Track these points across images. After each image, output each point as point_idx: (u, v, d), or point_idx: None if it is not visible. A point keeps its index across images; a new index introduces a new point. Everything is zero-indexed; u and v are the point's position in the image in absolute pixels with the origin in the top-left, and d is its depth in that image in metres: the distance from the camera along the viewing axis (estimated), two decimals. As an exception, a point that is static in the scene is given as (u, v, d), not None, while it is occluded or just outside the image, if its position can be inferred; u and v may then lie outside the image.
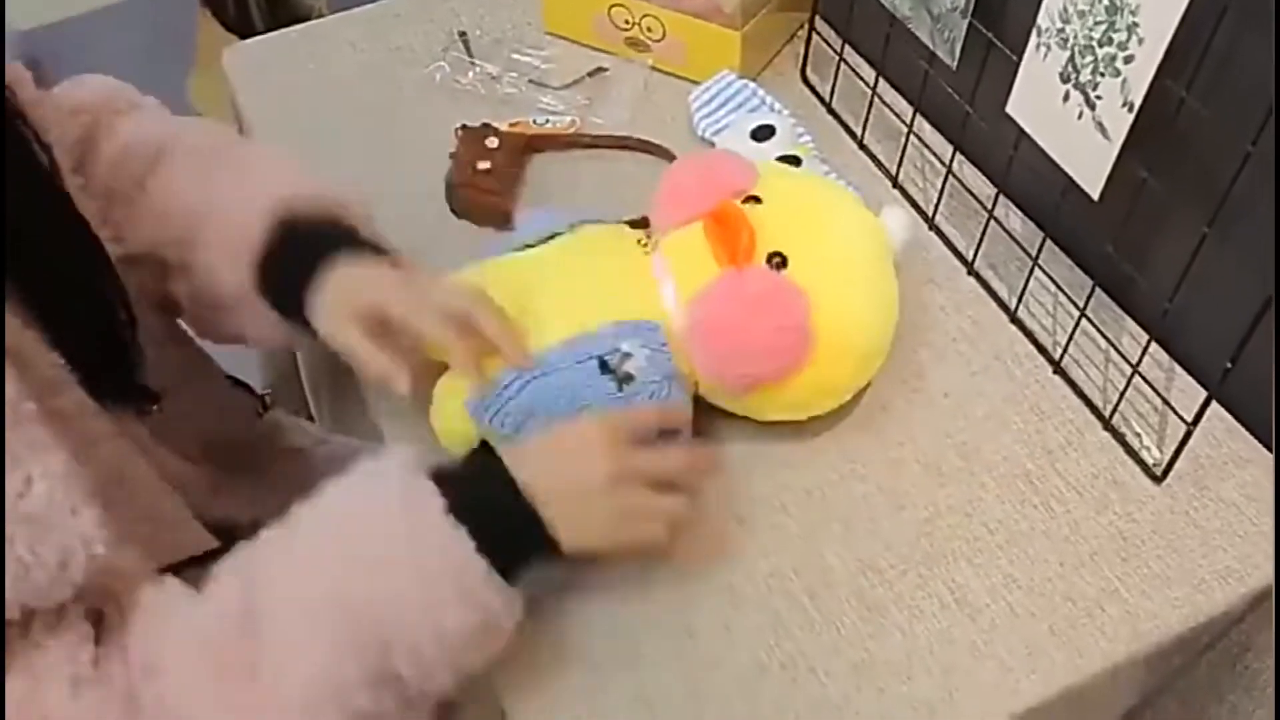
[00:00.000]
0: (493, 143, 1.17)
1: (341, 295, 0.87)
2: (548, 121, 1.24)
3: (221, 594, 0.73)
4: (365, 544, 0.73)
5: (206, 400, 1.01)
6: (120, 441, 0.80)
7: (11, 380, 0.65)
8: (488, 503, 0.75)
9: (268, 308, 0.91)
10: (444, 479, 0.75)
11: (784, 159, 1.10)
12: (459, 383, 0.89)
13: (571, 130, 1.23)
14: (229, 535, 0.79)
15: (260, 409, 1.13)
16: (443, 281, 0.91)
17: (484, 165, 1.15)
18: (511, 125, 1.22)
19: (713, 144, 1.20)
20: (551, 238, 0.96)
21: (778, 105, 1.23)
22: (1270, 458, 0.96)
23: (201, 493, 0.92)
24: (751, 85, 1.24)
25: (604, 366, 0.86)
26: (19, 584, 0.64)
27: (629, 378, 0.86)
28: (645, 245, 0.94)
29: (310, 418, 1.39)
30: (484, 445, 0.81)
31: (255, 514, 0.82)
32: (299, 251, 0.89)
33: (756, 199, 0.92)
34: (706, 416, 0.95)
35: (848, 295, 0.90)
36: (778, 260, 0.89)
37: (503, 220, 1.11)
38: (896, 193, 1.17)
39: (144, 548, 0.76)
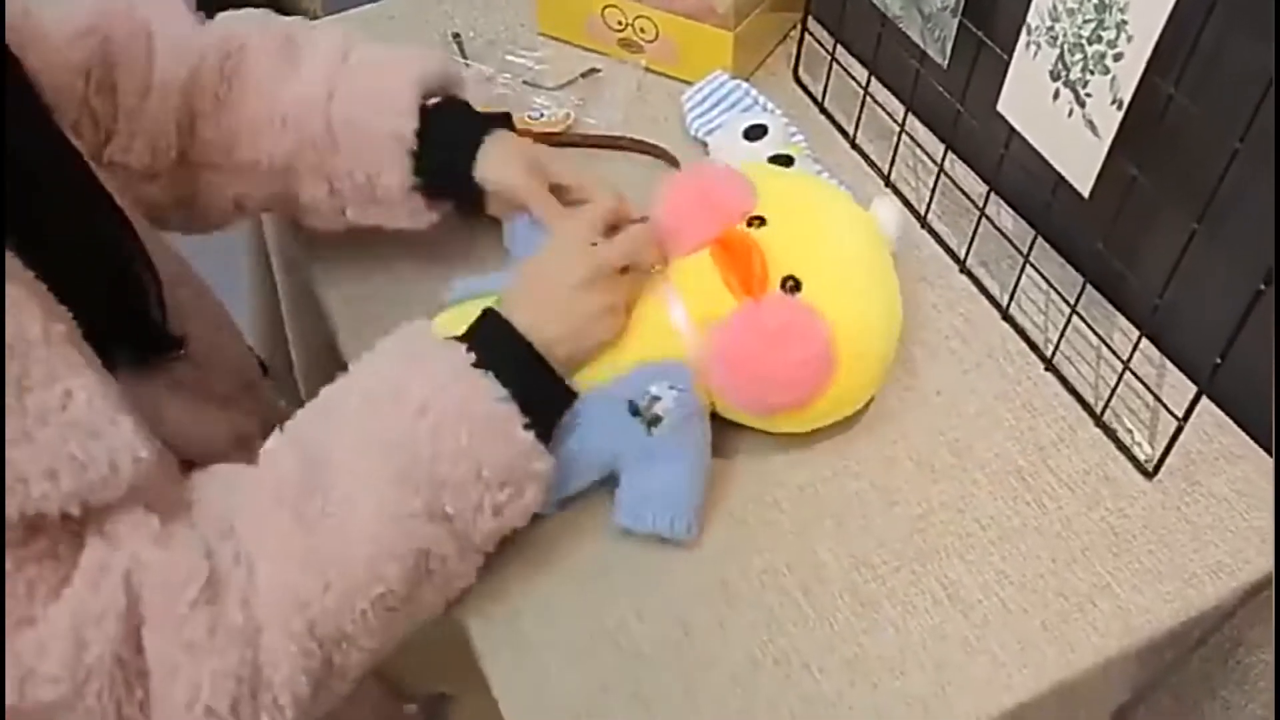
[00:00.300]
0: None
1: (508, 154, 1.00)
2: (541, 116, 1.24)
3: (279, 459, 0.78)
4: (408, 393, 0.79)
5: (224, 346, 1.03)
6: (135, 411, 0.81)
7: (39, 307, 0.67)
8: (505, 353, 0.83)
9: (418, 195, 1.01)
10: (462, 339, 0.83)
11: (776, 158, 1.11)
12: None
13: (567, 124, 1.24)
14: None
15: (263, 370, 1.14)
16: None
17: None
18: (505, 123, 1.23)
19: (705, 144, 1.20)
20: None
21: (770, 105, 1.23)
22: (1260, 452, 0.96)
23: (222, 443, 0.94)
24: (744, 85, 1.25)
25: (634, 410, 0.87)
26: (78, 479, 0.66)
27: (657, 420, 0.87)
28: (658, 271, 0.93)
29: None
30: (487, 310, 0.86)
31: None
32: (449, 137, 1.00)
33: (761, 219, 0.92)
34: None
35: (862, 309, 0.91)
36: (791, 284, 0.89)
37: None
38: (889, 191, 1.18)
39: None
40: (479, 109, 1.05)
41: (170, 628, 0.69)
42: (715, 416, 0.93)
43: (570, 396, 0.88)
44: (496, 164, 1.00)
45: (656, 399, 0.88)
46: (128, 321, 0.86)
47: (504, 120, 1.06)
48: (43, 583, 0.67)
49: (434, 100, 1.02)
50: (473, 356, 0.81)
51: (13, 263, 0.70)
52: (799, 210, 0.95)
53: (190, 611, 0.69)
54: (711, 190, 0.95)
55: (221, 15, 1.02)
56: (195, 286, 0.99)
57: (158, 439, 0.79)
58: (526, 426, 0.81)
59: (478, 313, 0.87)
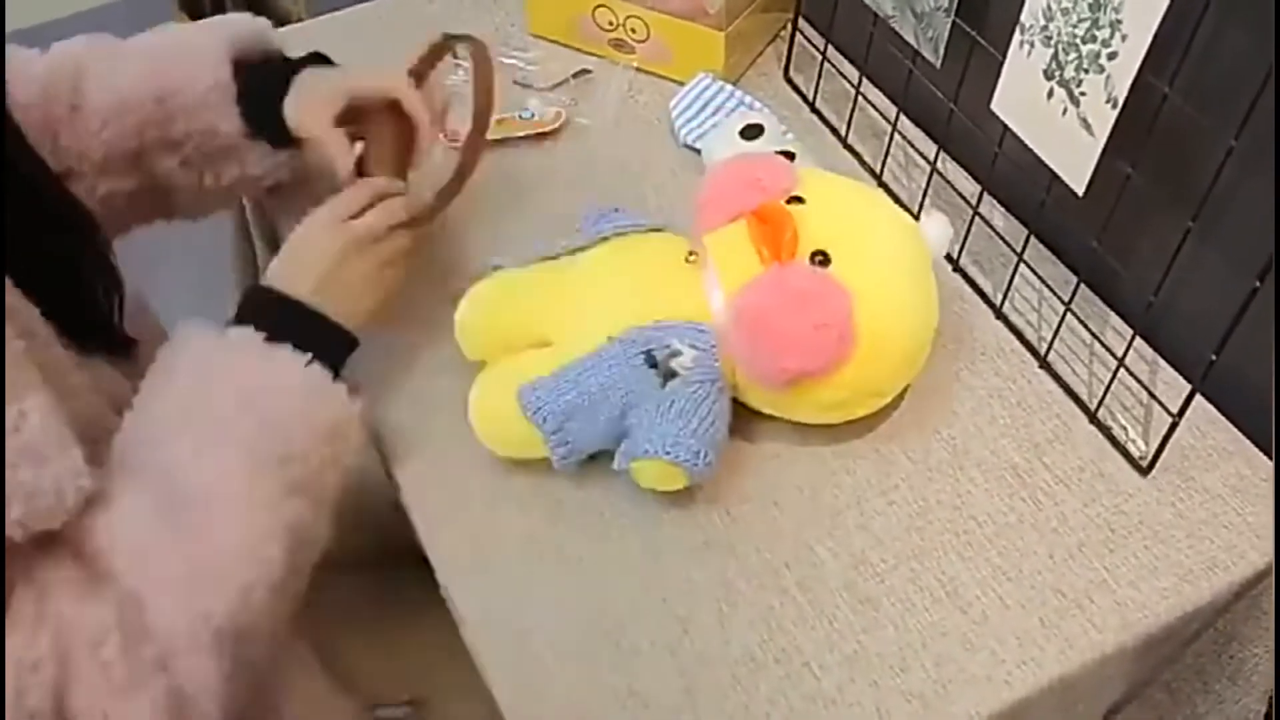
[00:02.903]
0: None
1: (309, 96, 1.02)
2: (533, 115, 1.24)
3: (130, 506, 0.76)
4: (219, 392, 0.82)
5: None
6: (97, 396, 0.84)
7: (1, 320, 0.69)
8: (286, 320, 0.87)
9: (262, 142, 1.05)
10: (241, 321, 0.87)
11: (778, 154, 1.11)
12: (499, 380, 0.93)
13: (558, 122, 1.24)
14: None
15: None
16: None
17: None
18: (498, 121, 1.23)
19: (697, 150, 1.20)
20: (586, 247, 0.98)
21: (757, 105, 1.23)
22: (1253, 448, 0.97)
23: None
24: (729, 87, 1.25)
25: (651, 361, 0.87)
26: (28, 505, 0.68)
27: (672, 374, 0.87)
28: (693, 260, 0.94)
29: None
30: (253, 287, 0.91)
31: None
32: (267, 76, 1.03)
33: (800, 199, 0.93)
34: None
35: (890, 296, 0.91)
36: (820, 258, 0.90)
37: None
38: (935, 209, 1.15)
39: None
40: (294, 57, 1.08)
41: (96, 679, 0.70)
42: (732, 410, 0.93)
43: (349, 339, 0.91)
44: (298, 109, 1.02)
45: (676, 354, 0.88)
46: (87, 317, 0.90)
47: (315, 60, 1.07)
48: None
49: (249, 58, 1.05)
50: (262, 335, 0.84)
51: None
52: (838, 197, 0.97)
53: (111, 661, 0.71)
54: (754, 167, 0.98)
55: (54, 45, 1.07)
56: (139, 301, 1.03)
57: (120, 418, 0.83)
58: (331, 376, 0.85)
59: (517, 280, 0.96)
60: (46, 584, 0.71)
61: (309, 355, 0.85)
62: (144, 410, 0.82)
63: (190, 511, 0.76)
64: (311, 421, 0.84)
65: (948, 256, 1.11)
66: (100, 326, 0.92)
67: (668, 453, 0.87)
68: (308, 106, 1.01)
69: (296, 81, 1.02)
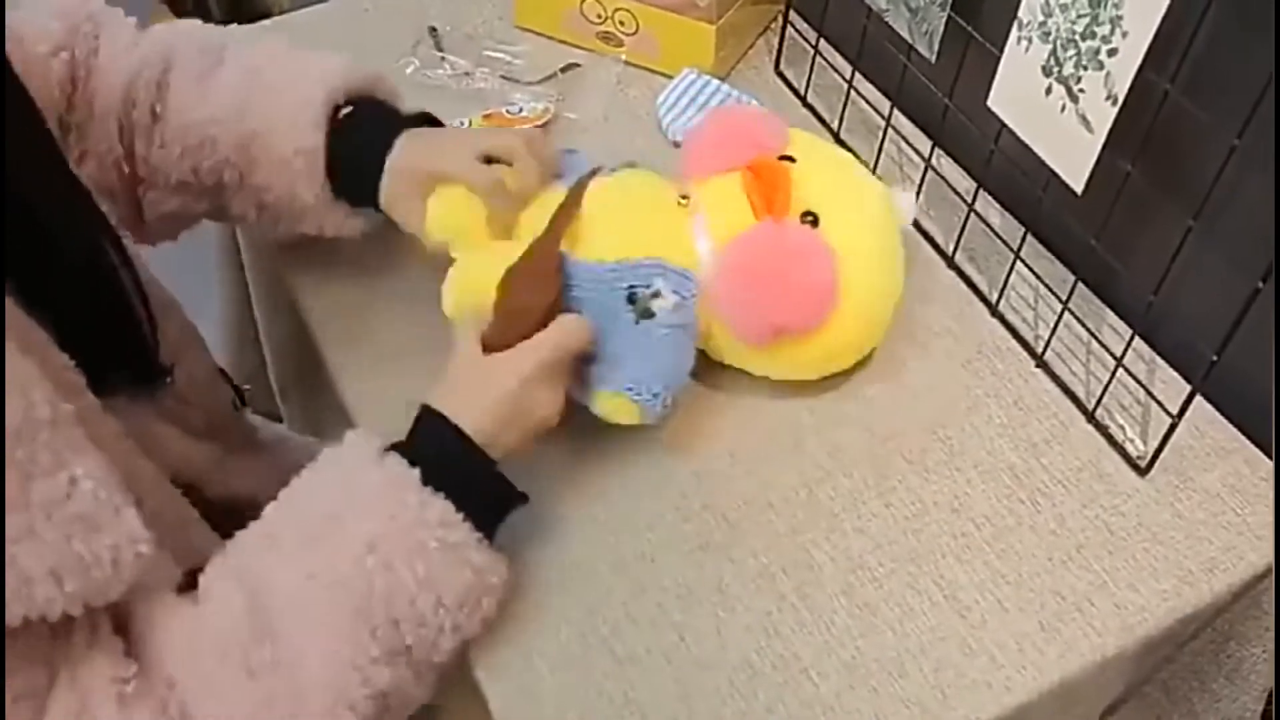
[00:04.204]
0: None
1: (397, 176, 0.94)
2: (521, 111, 1.23)
3: (222, 599, 0.73)
4: (355, 526, 0.75)
5: (204, 373, 1.01)
6: (127, 443, 0.80)
7: (44, 380, 0.65)
8: (453, 463, 0.79)
9: (343, 204, 0.98)
10: (409, 452, 0.78)
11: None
12: (480, 266, 0.90)
13: (546, 118, 1.22)
14: (235, 515, 0.80)
15: (238, 401, 1.12)
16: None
17: None
18: (485, 116, 1.22)
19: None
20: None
21: (743, 98, 1.22)
22: (1251, 447, 0.96)
23: (209, 469, 0.94)
24: (714, 81, 1.23)
25: (631, 297, 0.88)
26: (83, 579, 0.64)
27: (649, 314, 0.88)
28: (684, 205, 0.94)
29: (278, 420, 1.38)
30: (425, 410, 0.82)
31: (256, 491, 0.86)
32: (362, 146, 0.96)
33: (791, 158, 0.95)
34: (697, 404, 0.94)
35: (870, 260, 0.94)
36: (810, 219, 0.92)
37: None
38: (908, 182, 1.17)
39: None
40: (399, 108, 1.01)
41: None
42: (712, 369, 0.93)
43: (518, 497, 0.83)
44: (390, 193, 0.95)
45: (657, 294, 0.88)
46: (121, 349, 0.85)
47: (419, 120, 1.00)
48: (26, 702, 0.64)
49: (348, 110, 0.97)
50: (418, 473, 0.76)
51: (20, 321, 0.68)
52: (826, 158, 0.99)
53: None
54: (749, 122, 0.99)
55: (154, 28, 1.01)
56: (180, 321, 0.98)
57: (149, 462, 0.79)
58: (480, 540, 0.78)
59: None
60: (87, 689, 0.66)
61: (459, 515, 0.76)
62: (281, 503, 0.78)
63: (271, 647, 0.71)
64: (443, 588, 0.75)
65: (942, 254, 1.10)
66: (127, 357, 0.86)
67: (629, 389, 0.87)
68: (400, 192, 0.95)
69: (390, 162, 0.94)
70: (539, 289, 0.87)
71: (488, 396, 0.81)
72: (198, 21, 1.05)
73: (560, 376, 0.85)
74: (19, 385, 0.63)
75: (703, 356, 0.96)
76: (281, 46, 1.01)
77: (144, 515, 0.73)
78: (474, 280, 0.89)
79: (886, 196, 0.98)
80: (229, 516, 0.87)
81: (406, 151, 0.95)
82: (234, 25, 1.27)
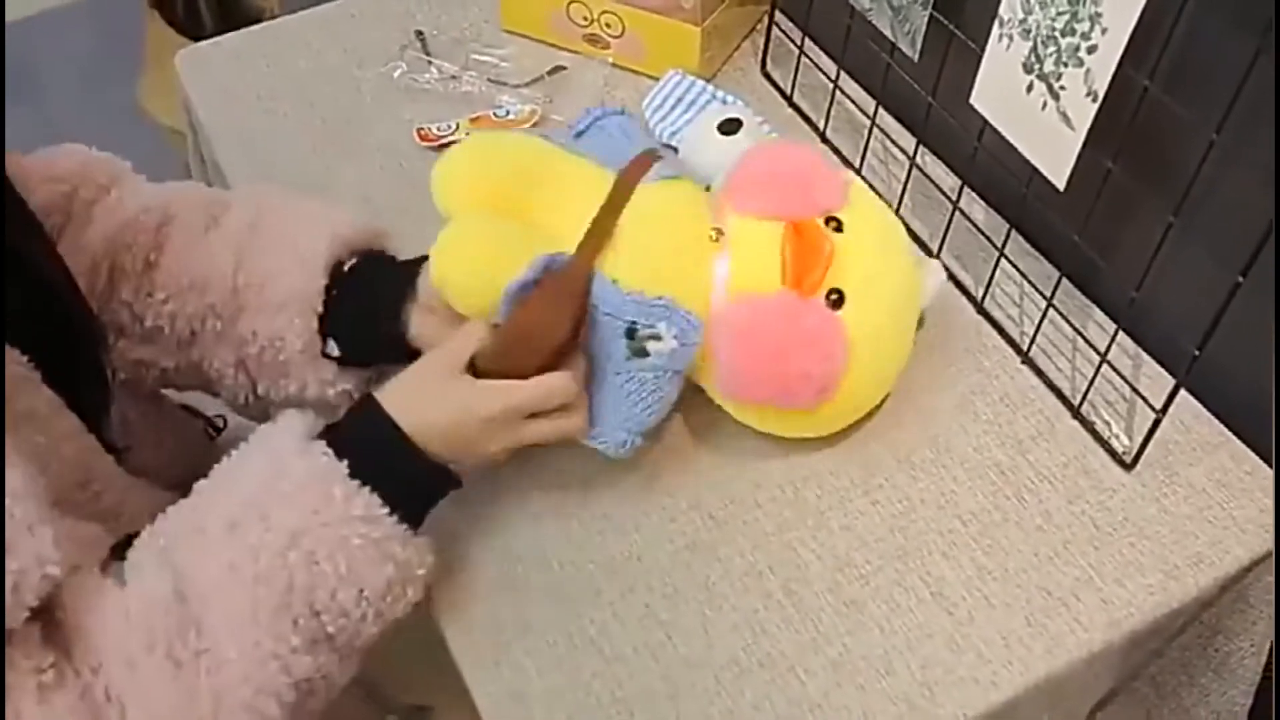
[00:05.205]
0: None
1: (422, 311, 0.91)
2: (508, 114, 1.23)
3: (149, 582, 0.73)
4: (278, 517, 0.74)
5: (165, 442, 1.00)
6: (86, 439, 0.80)
7: None
8: (384, 457, 0.78)
9: (330, 363, 0.93)
10: (339, 441, 0.77)
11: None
12: (487, 226, 0.87)
13: (533, 120, 1.23)
14: None
15: (212, 432, 1.11)
16: None
17: None
18: (473, 120, 1.22)
19: (675, 149, 1.19)
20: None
21: (729, 98, 1.22)
22: (1236, 442, 0.96)
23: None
24: (700, 82, 1.24)
25: (630, 332, 0.85)
26: None
27: (642, 353, 0.85)
28: (716, 240, 0.89)
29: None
30: (366, 398, 0.81)
31: None
32: (363, 302, 0.92)
33: (839, 223, 0.89)
34: (685, 404, 0.94)
35: (883, 347, 0.91)
36: (835, 297, 0.87)
37: None
38: (939, 260, 1.10)
39: (106, 539, 0.76)
40: (399, 259, 0.96)
41: None
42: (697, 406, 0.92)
43: (452, 481, 0.82)
44: (420, 325, 0.91)
45: (657, 338, 0.85)
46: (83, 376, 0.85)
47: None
48: None
49: (351, 262, 0.94)
50: (345, 465, 0.75)
51: None
52: (873, 232, 0.92)
53: None
54: (808, 170, 0.92)
55: (160, 187, 0.99)
56: (143, 406, 0.97)
57: (97, 492, 0.79)
58: (406, 532, 0.77)
59: (520, 146, 0.88)
60: (9, 685, 0.66)
61: (384, 508, 0.76)
62: (210, 485, 0.78)
63: (195, 636, 0.71)
64: (366, 582, 0.75)
65: (927, 251, 1.10)
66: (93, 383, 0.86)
67: (594, 437, 0.87)
68: (429, 323, 0.91)
69: (413, 302, 0.91)
70: (561, 309, 0.82)
71: (443, 417, 0.80)
72: (202, 185, 1.03)
73: (524, 428, 0.83)
74: None
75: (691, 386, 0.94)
76: (287, 194, 0.99)
77: (99, 509, 0.75)
78: (468, 250, 0.84)
79: (914, 276, 0.95)
80: None
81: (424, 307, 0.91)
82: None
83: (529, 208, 0.89)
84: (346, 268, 0.93)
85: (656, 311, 0.85)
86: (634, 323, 0.85)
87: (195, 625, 0.71)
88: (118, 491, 0.83)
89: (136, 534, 0.76)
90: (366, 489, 0.75)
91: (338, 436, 0.78)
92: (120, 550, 0.76)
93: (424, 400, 0.80)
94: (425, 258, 0.89)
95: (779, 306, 0.86)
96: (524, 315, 0.81)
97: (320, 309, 0.91)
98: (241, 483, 0.77)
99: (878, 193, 1.15)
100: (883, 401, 0.98)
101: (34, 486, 0.67)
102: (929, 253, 1.10)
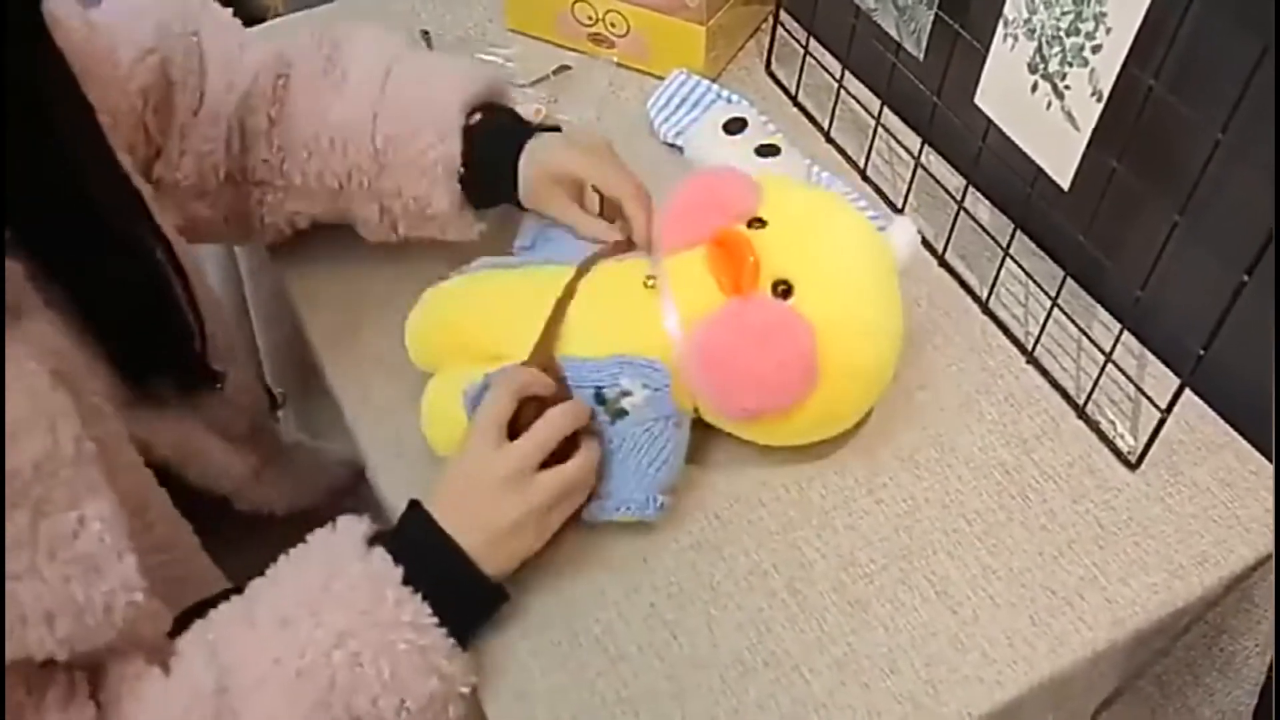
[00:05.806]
0: None
1: (540, 172, 0.97)
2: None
3: (191, 674, 0.73)
4: (329, 616, 0.74)
5: (249, 379, 1.02)
6: (143, 472, 0.80)
7: (72, 415, 0.66)
8: (436, 566, 0.78)
9: (468, 212, 1.00)
10: (393, 548, 0.78)
11: (763, 149, 1.10)
12: (452, 383, 0.89)
13: (540, 119, 1.22)
14: (263, 525, 0.83)
15: (274, 404, 1.13)
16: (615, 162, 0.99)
17: None
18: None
19: (681, 149, 1.19)
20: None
21: (733, 98, 1.22)
22: (1241, 441, 0.96)
23: (246, 478, 0.95)
24: (705, 82, 1.24)
25: (600, 399, 0.86)
26: (75, 624, 0.64)
27: (622, 413, 0.86)
28: (651, 285, 0.90)
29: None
30: (414, 504, 0.82)
31: (285, 503, 0.96)
32: (494, 152, 0.98)
33: (762, 221, 0.89)
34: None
35: (855, 324, 0.88)
36: (783, 288, 0.86)
37: None
38: (906, 215, 1.13)
39: (154, 581, 0.76)
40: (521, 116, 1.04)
41: None
42: (700, 423, 0.92)
43: (502, 596, 0.83)
44: (532, 187, 0.98)
45: (627, 393, 0.86)
46: (170, 355, 0.86)
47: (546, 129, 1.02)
48: None
49: (476, 117, 1.00)
50: (400, 571, 0.76)
51: (56, 344, 0.69)
52: (802, 217, 0.91)
53: None
54: (716, 187, 0.93)
55: (270, 29, 1.01)
56: (227, 326, 0.98)
57: (187, 472, 0.81)
58: (454, 647, 0.77)
59: (470, 288, 0.92)
60: None
61: (433, 618, 0.76)
62: (266, 580, 0.78)
63: None
64: (408, 692, 0.75)
65: (932, 251, 1.10)
66: (176, 363, 0.87)
67: (621, 510, 0.87)
68: (543, 185, 0.97)
69: (530, 156, 0.97)
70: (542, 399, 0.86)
71: (490, 521, 0.81)
72: (309, 25, 1.06)
73: (563, 512, 0.85)
74: (47, 421, 0.64)
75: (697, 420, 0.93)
76: (403, 47, 1.03)
77: (150, 542, 0.74)
78: (453, 410, 0.87)
79: (873, 244, 0.92)
80: (250, 531, 0.89)
81: (541, 147, 0.98)
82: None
83: (500, 340, 0.91)
84: (473, 121, 0.99)
85: (613, 368, 0.86)
86: (599, 387, 0.86)
87: (233, 716, 0.71)
88: (169, 524, 0.84)
89: (188, 618, 0.77)
90: (417, 596, 0.76)
91: (392, 542, 0.79)
92: (179, 627, 0.76)
93: (470, 507, 0.81)
94: (543, 126, 1.01)
95: (727, 315, 0.86)
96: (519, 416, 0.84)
97: (460, 172, 0.97)
98: (297, 581, 0.78)
99: (882, 193, 1.16)
100: (888, 401, 0.98)
101: (120, 515, 0.68)
102: (934, 253, 1.10)
